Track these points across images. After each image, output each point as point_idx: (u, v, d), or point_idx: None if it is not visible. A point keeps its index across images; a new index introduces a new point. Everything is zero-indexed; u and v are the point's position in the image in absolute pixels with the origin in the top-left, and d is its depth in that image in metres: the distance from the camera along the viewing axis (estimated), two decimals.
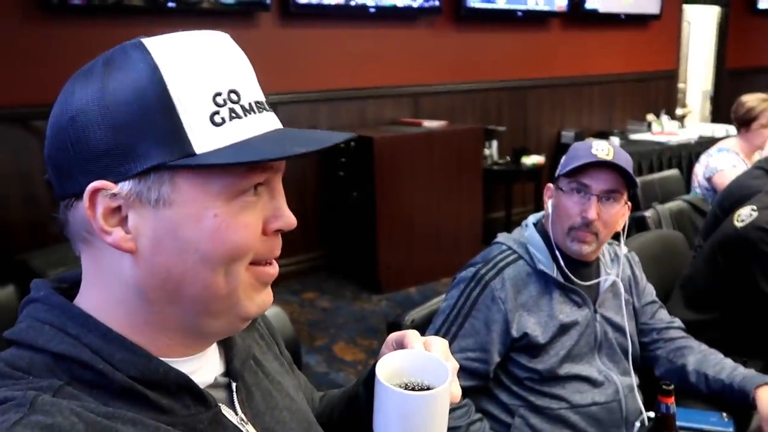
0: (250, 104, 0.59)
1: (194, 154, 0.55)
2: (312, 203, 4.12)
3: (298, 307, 3.68)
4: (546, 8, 4.95)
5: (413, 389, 0.67)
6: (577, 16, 5.21)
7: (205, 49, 0.59)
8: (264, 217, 0.61)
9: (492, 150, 4.58)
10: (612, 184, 1.38)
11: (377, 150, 3.70)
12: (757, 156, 2.74)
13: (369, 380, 0.78)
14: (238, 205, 0.58)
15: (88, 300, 0.61)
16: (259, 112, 0.60)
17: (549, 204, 1.46)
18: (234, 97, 0.58)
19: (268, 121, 0.61)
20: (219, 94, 0.57)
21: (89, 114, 0.56)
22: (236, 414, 0.66)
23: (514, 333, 1.36)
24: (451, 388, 0.66)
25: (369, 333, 3.34)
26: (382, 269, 3.82)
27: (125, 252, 0.57)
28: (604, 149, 1.37)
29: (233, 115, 0.58)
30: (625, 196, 1.42)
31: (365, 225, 3.85)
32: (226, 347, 0.70)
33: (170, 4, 3.33)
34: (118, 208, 0.56)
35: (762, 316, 1.67)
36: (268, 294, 0.65)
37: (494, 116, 4.86)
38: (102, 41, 0.63)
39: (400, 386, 0.66)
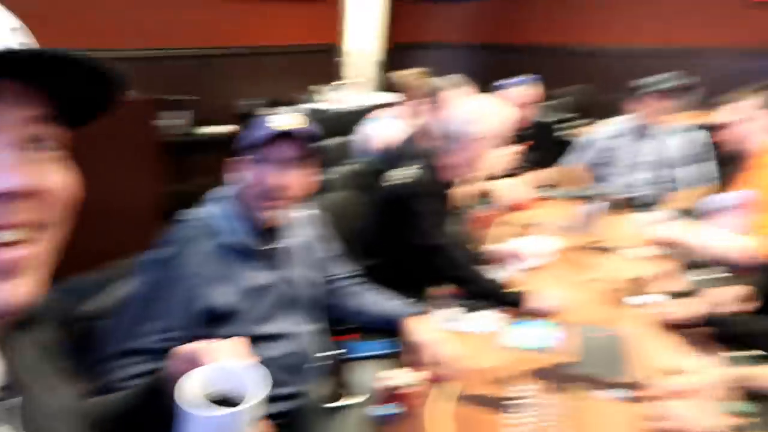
0: None
1: None
2: None
3: None
4: None
5: (225, 403, 0.66)
6: None
7: None
8: None
9: (173, 121, 4.45)
10: (295, 152, 1.46)
11: None
12: (411, 122, 3.19)
13: (151, 393, 0.82)
14: None
15: None
16: None
17: (235, 176, 1.51)
18: None
19: None
20: None
21: None
22: (13, 428, 0.62)
23: (204, 306, 1.40)
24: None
25: None
26: (68, 258, 3.45)
27: None
28: (286, 120, 1.44)
29: None
30: (310, 162, 1.51)
31: None
32: (6, 358, 0.65)
33: None
34: None
35: (414, 260, 2.04)
36: (11, 287, 0.54)
37: (176, 86, 4.68)
38: None
39: (210, 403, 0.66)
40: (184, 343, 1.33)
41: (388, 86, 5.91)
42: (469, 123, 2.04)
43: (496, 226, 2.78)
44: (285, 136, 1.44)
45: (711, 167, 3.22)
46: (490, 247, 2.37)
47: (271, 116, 1.46)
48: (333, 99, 5.94)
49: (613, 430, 1.36)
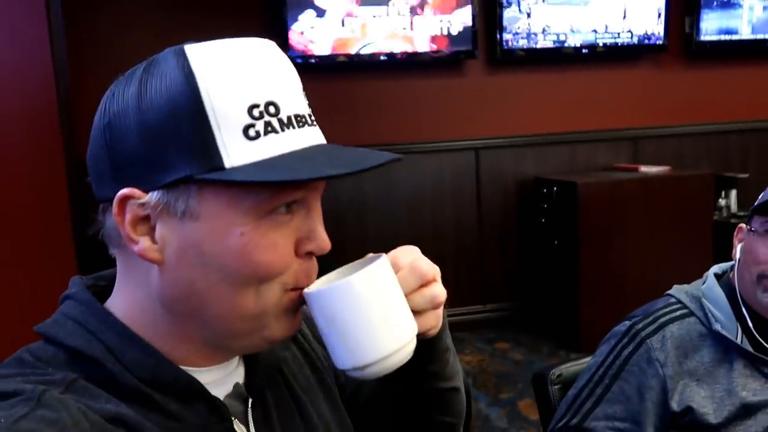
0: (288, 117, 0.57)
1: (223, 168, 0.54)
2: (512, 249, 3.88)
3: (488, 357, 3.41)
4: None
5: None
6: None
7: (245, 58, 0.56)
8: (297, 237, 0.59)
9: (730, 200, 3.85)
10: None
11: (581, 196, 3.26)
12: None
13: None
14: (268, 224, 0.56)
15: (117, 302, 0.61)
16: (299, 126, 0.58)
17: (738, 249, 1.18)
18: (272, 109, 0.56)
19: (308, 137, 0.58)
20: (256, 106, 0.55)
21: (124, 119, 0.55)
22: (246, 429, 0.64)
23: (675, 406, 1.10)
24: (417, 265, 0.62)
25: None
26: (584, 326, 3.33)
27: (151, 262, 0.57)
28: None
29: (269, 129, 0.55)
30: None
31: (567, 277, 3.41)
32: (248, 358, 0.68)
33: (383, 57, 3.50)
34: (147, 218, 0.56)
35: None
36: (298, 319, 0.63)
37: (736, 162, 4.13)
38: None
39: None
40: None
41: None
42: None
43: None
44: None
45: None
46: None
47: None
48: None
49: None
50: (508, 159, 3.81)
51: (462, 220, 3.76)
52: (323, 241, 0.60)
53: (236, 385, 0.65)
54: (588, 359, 1.26)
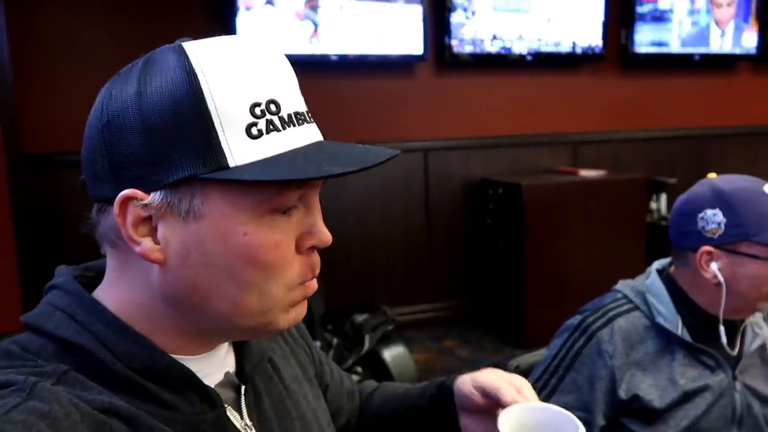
0: (289, 116, 0.58)
1: (228, 167, 0.54)
2: (460, 249, 3.93)
3: (436, 354, 3.49)
4: (732, 51, 4.35)
5: None
6: None
7: (245, 56, 0.57)
8: (298, 233, 0.60)
9: (660, 204, 4.06)
10: None
11: (526, 197, 3.39)
12: None
13: (439, 398, 0.83)
14: (270, 223, 0.57)
15: (107, 294, 0.60)
16: (299, 124, 0.58)
17: (717, 272, 1.17)
18: (273, 108, 0.56)
19: (308, 134, 0.59)
20: (257, 105, 0.55)
21: (125, 119, 0.55)
22: (242, 418, 0.64)
23: (622, 394, 1.18)
24: None
25: None
26: (528, 324, 3.44)
27: (153, 263, 0.56)
28: None
29: (271, 127, 0.56)
30: None
31: (512, 275, 3.52)
32: (237, 346, 0.69)
33: (333, 58, 3.48)
34: (149, 218, 0.56)
35: None
36: (302, 307, 0.63)
37: (666, 167, 4.30)
38: None
39: None
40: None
41: None
42: None
43: None
44: None
45: None
46: None
47: None
48: None
49: None
50: (456, 160, 3.89)
51: (411, 221, 3.81)
52: (325, 235, 0.61)
53: (227, 374, 0.66)
54: (542, 351, 1.33)
